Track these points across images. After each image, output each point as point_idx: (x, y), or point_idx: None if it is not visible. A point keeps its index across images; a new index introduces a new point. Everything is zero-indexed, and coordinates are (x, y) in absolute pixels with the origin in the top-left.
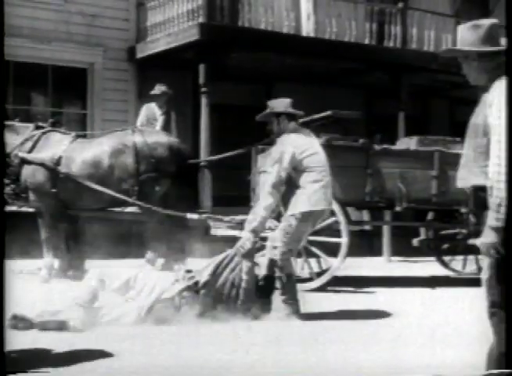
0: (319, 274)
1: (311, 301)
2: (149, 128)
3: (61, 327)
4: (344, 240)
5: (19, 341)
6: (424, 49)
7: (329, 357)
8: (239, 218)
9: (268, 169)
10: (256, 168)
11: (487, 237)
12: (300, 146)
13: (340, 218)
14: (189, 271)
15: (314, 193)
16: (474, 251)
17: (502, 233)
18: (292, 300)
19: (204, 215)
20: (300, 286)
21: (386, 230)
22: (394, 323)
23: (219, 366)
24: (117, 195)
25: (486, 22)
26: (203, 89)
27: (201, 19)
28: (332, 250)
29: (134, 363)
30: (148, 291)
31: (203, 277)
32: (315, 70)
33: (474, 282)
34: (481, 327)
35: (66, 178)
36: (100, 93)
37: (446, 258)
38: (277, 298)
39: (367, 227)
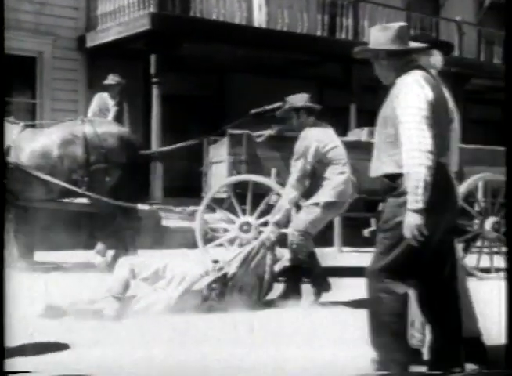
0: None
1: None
2: (100, 119)
3: (95, 315)
4: (290, 231)
5: (54, 329)
6: None
7: None
8: (190, 209)
9: (292, 163)
10: (208, 159)
11: (410, 220)
12: (322, 139)
13: (293, 209)
14: (215, 261)
15: (339, 184)
16: None
17: (424, 215)
18: (317, 286)
19: (155, 206)
20: None
21: (337, 221)
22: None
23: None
24: (67, 185)
25: (395, 24)
26: (155, 80)
27: (152, 9)
28: (284, 241)
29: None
30: (178, 281)
31: (232, 269)
32: (267, 61)
33: None
34: None
35: (16, 168)
36: (50, 83)
37: None
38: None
39: None
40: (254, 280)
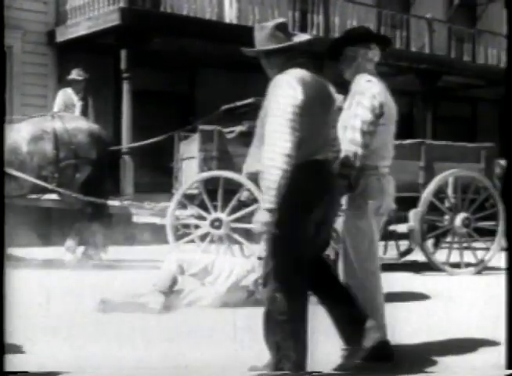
0: None
1: None
2: (70, 114)
3: (141, 309)
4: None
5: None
6: None
7: None
8: (161, 205)
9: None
10: (178, 155)
11: (259, 217)
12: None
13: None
14: (260, 258)
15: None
16: (395, 236)
17: (274, 214)
18: None
19: (126, 202)
20: None
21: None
22: None
23: None
24: (37, 181)
25: (271, 23)
26: (125, 75)
27: (122, 4)
28: (254, 237)
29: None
30: (225, 276)
31: None
32: (239, 57)
33: (393, 267)
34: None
35: None
36: (19, 77)
37: None
38: None
39: None
40: None
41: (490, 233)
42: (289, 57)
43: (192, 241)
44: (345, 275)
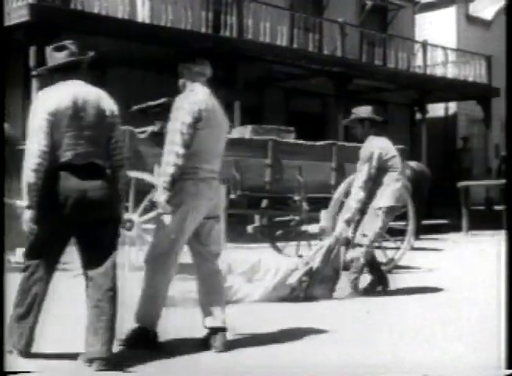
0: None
1: None
2: None
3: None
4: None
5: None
6: (260, 40)
7: None
8: None
9: (358, 168)
10: None
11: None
12: (384, 148)
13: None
14: (300, 256)
15: (397, 190)
16: (307, 237)
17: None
18: (382, 278)
19: None
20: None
21: (221, 217)
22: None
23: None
24: None
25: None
26: (34, 72)
27: (31, 0)
28: None
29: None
30: (272, 274)
31: (315, 263)
32: (152, 57)
33: None
34: None
35: None
36: None
37: (280, 245)
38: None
39: None
40: (332, 272)
41: (400, 233)
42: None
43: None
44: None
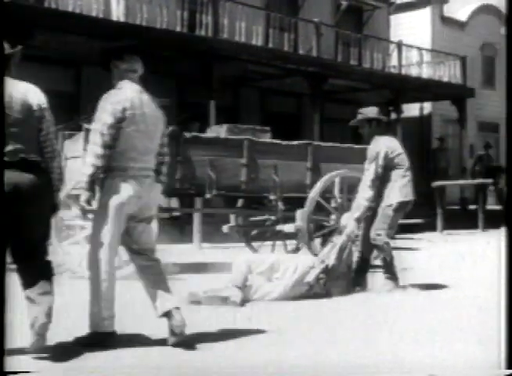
0: (128, 262)
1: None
2: None
3: (223, 302)
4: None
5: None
6: (235, 40)
7: None
8: None
9: (365, 167)
10: (63, 154)
11: None
12: (390, 146)
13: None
14: (315, 254)
15: (404, 186)
16: (282, 236)
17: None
18: (393, 276)
19: None
20: None
21: (196, 217)
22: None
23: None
24: None
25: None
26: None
27: None
28: None
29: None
30: (291, 272)
31: (331, 261)
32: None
33: None
34: None
35: None
36: None
37: (255, 244)
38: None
39: (177, 214)
40: (346, 269)
41: None
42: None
43: (77, 243)
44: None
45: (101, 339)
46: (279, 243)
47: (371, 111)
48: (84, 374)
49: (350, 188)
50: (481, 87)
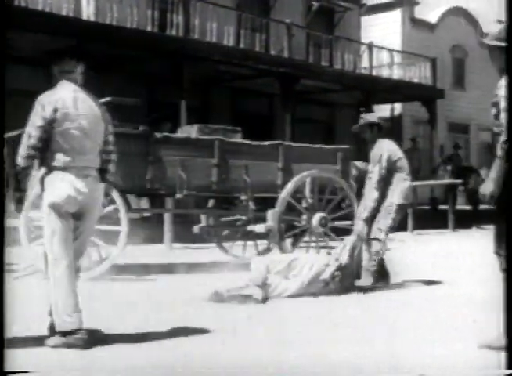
0: (99, 263)
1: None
2: None
3: (246, 300)
4: (123, 228)
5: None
6: (207, 40)
7: None
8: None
9: (369, 169)
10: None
11: None
12: (392, 150)
13: (120, 206)
14: (329, 253)
15: (405, 189)
16: (253, 236)
17: None
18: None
19: None
20: (80, 276)
21: (167, 217)
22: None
23: None
24: None
25: None
26: None
27: None
28: (112, 238)
29: None
30: (308, 269)
31: (344, 260)
32: (96, 55)
33: None
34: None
35: None
36: None
37: (226, 244)
38: None
39: (147, 214)
40: (356, 267)
41: (346, 232)
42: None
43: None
44: None
45: (77, 338)
46: (250, 243)
47: (372, 116)
48: (84, 374)
49: (321, 188)
50: (451, 88)
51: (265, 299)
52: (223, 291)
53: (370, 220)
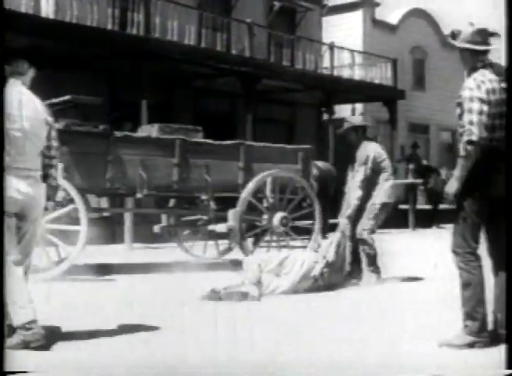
0: (58, 263)
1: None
2: None
3: (243, 297)
4: (82, 228)
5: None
6: (168, 39)
7: None
8: None
9: (356, 169)
10: None
11: None
12: (377, 152)
13: (79, 205)
14: (316, 251)
15: (388, 189)
16: (214, 236)
17: None
18: (377, 269)
19: None
20: (38, 276)
21: (127, 217)
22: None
23: None
24: None
25: None
26: None
27: None
28: (71, 238)
29: None
30: (298, 267)
31: (331, 256)
32: (56, 53)
33: (213, 266)
34: None
35: None
36: None
37: (187, 244)
38: None
39: (107, 214)
40: (342, 263)
41: (307, 232)
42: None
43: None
44: None
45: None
46: (211, 243)
47: (357, 119)
48: (84, 374)
49: (282, 188)
50: (411, 89)
51: (259, 297)
52: (220, 289)
53: (355, 219)
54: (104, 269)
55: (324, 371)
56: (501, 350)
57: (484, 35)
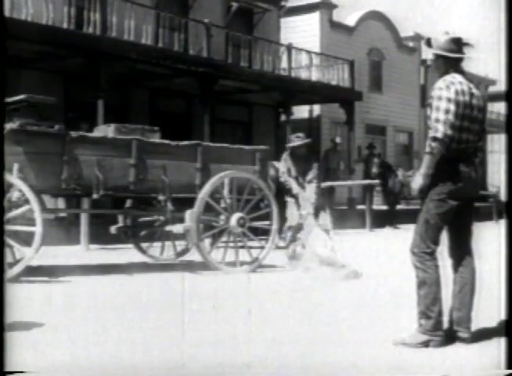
0: (12, 265)
1: None
2: None
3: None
4: (38, 229)
5: None
6: (124, 38)
7: None
8: None
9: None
10: None
11: None
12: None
13: (34, 206)
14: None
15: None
16: (172, 237)
17: None
18: None
19: None
20: None
21: (84, 218)
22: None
23: None
24: None
25: None
26: None
27: None
28: (26, 239)
29: None
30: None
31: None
32: (10, 52)
33: (170, 267)
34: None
35: None
36: None
37: (144, 245)
38: None
39: (63, 215)
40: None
41: (265, 233)
42: None
43: None
44: None
45: None
46: (168, 243)
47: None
48: (84, 374)
49: (239, 188)
50: (368, 91)
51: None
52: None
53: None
54: (60, 271)
55: None
56: (501, 350)
57: (458, 44)
